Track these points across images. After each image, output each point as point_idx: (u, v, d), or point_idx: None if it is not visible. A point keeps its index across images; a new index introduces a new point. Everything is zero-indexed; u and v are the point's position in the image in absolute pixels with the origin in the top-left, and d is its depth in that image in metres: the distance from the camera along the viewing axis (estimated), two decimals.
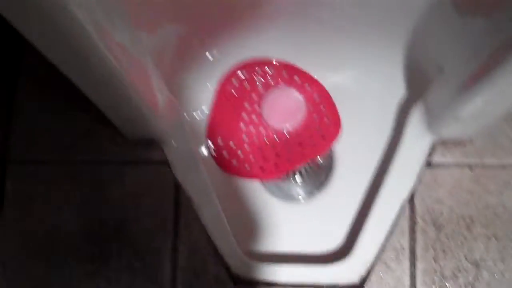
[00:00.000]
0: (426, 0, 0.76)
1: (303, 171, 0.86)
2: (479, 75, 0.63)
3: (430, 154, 0.80)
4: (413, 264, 0.78)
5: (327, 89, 0.89)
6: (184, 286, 0.77)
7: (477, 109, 0.68)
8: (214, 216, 0.79)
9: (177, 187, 0.79)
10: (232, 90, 0.88)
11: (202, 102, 0.88)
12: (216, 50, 0.86)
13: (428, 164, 0.80)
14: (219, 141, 0.87)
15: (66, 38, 0.49)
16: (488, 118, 0.72)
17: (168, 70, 0.81)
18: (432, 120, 0.78)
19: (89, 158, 0.80)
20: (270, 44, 0.87)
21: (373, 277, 0.78)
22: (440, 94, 0.75)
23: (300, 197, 0.86)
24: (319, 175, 0.87)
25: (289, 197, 0.86)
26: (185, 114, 0.82)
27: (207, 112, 0.88)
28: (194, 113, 0.87)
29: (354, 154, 0.87)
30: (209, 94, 0.88)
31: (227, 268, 0.78)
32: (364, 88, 0.88)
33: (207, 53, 0.87)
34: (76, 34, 0.49)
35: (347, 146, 0.87)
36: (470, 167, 0.80)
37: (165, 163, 0.79)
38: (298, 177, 0.87)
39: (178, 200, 0.79)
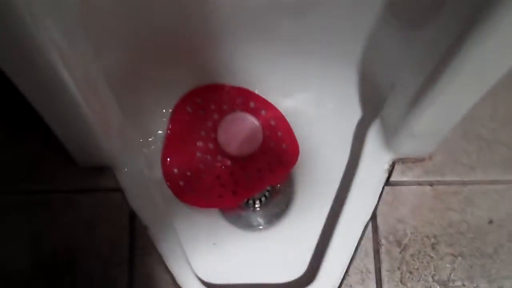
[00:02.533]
0: (372, 17, 0.77)
1: (262, 198, 0.86)
2: (425, 87, 0.65)
3: (390, 173, 0.80)
4: (379, 287, 0.77)
5: (283, 113, 0.89)
6: None
7: (429, 123, 0.70)
8: (171, 246, 0.78)
9: (132, 215, 0.77)
10: (187, 117, 0.88)
11: (157, 128, 0.87)
12: (169, 74, 0.86)
13: (389, 183, 0.80)
14: (175, 170, 0.86)
15: (24, 56, 0.49)
16: (441, 132, 0.73)
17: (121, 94, 0.80)
18: (389, 138, 0.79)
19: (38, 187, 0.78)
20: (224, 69, 0.87)
21: None
22: (394, 111, 0.77)
23: (260, 225, 0.85)
24: (279, 202, 0.86)
25: (249, 226, 0.85)
26: (140, 140, 0.81)
27: (162, 139, 0.87)
28: (149, 139, 0.86)
29: (313, 178, 0.87)
30: (165, 119, 0.87)
31: None
32: (320, 110, 0.89)
33: (162, 77, 0.86)
34: (34, 52, 0.48)
35: (306, 170, 0.87)
36: (431, 184, 0.81)
37: (119, 190, 0.78)
38: (257, 205, 0.86)
39: (133, 228, 0.77)
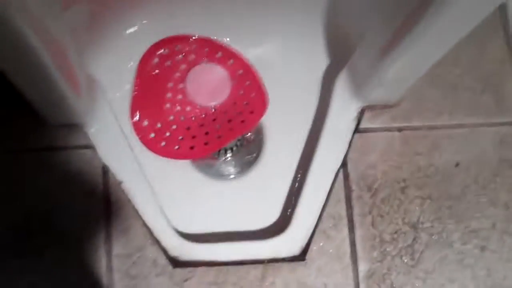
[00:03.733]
0: None
1: (233, 147, 0.87)
2: (396, 39, 0.66)
3: (359, 120, 0.82)
4: (352, 231, 0.80)
5: (250, 63, 0.89)
6: (121, 274, 0.76)
7: (398, 72, 0.71)
8: (146, 199, 0.79)
9: (105, 171, 0.78)
10: (154, 69, 0.87)
11: (125, 82, 0.86)
12: (134, 27, 0.85)
13: (358, 130, 0.82)
14: (145, 122, 0.86)
15: None
16: (409, 80, 0.75)
17: (86, 49, 0.79)
18: (357, 86, 0.80)
19: (8, 147, 0.77)
20: (189, 20, 0.87)
21: (313, 247, 0.79)
22: (363, 60, 0.78)
23: (232, 174, 0.86)
24: (250, 150, 0.87)
25: (221, 175, 0.86)
26: (108, 95, 0.81)
27: (130, 92, 0.86)
28: (117, 94, 0.85)
29: (283, 126, 0.88)
30: (132, 73, 0.86)
31: (164, 251, 0.77)
32: (288, 59, 0.89)
33: (126, 30, 0.85)
34: None
35: (276, 119, 0.88)
36: (399, 130, 0.83)
37: (91, 147, 0.77)
38: (229, 154, 0.87)
39: (107, 184, 0.77)
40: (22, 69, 0.61)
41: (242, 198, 0.85)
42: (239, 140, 0.87)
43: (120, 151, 0.79)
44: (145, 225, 0.78)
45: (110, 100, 0.83)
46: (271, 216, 0.84)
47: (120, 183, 0.78)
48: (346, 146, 0.82)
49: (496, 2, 0.55)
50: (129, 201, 0.78)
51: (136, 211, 0.77)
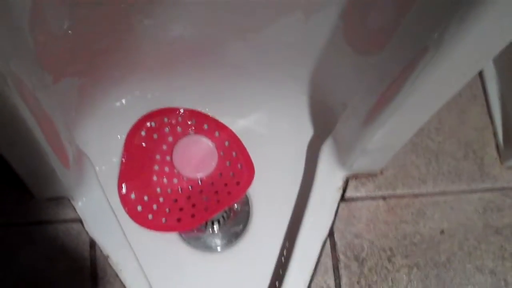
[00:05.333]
0: (323, 42, 0.80)
1: (220, 219, 0.87)
2: (377, 108, 0.68)
3: (344, 189, 0.83)
4: None
5: (237, 134, 0.91)
6: None
7: (381, 141, 0.73)
8: (133, 273, 0.79)
9: (92, 245, 0.78)
10: (142, 142, 0.89)
11: (112, 154, 0.88)
12: (122, 100, 0.87)
13: (343, 199, 0.83)
14: (132, 195, 0.87)
15: None
16: (393, 149, 0.77)
17: (75, 121, 0.81)
18: (342, 156, 0.82)
19: None
20: (176, 93, 0.89)
21: None
22: (346, 129, 0.80)
23: (218, 247, 0.87)
24: (237, 222, 0.88)
25: (208, 248, 0.87)
26: (96, 168, 0.82)
27: (117, 165, 0.88)
28: (104, 166, 0.87)
29: (270, 197, 0.89)
30: (120, 146, 0.88)
31: None
32: (273, 130, 0.91)
33: (115, 103, 0.87)
34: None
35: (262, 190, 0.89)
36: (383, 198, 0.84)
37: (78, 221, 0.78)
38: (215, 226, 0.88)
39: (94, 258, 0.78)
40: (12, 142, 0.63)
41: (230, 271, 0.86)
42: (225, 211, 0.88)
43: (107, 225, 0.80)
44: None
45: (98, 173, 0.84)
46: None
47: (107, 257, 0.78)
48: (333, 216, 0.83)
49: (476, 68, 0.57)
50: (116, 275, 0.78)
51: (123, 286, 0.77)
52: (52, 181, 0.74)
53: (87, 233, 0.79)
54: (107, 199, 0.82)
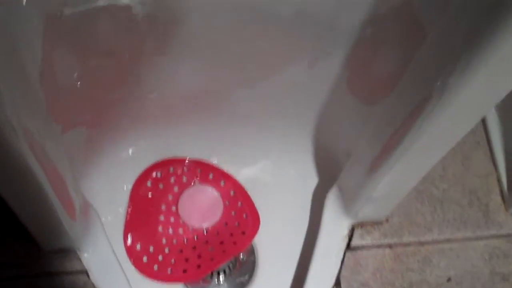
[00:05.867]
0: (328, 92, 0.82)
1: (226, 270, 0.87)
2: (382, 156, 0.69)
3: (350, 238, 0.84)
4: None
5: (242, 183, 0.92)
6: None
7: (386, 189, 0.74)
8: None
9: None
10: (147, 192, 0.90)
11: (118, 205, 0.88)
12: (129, 149, 0.88)
13: (350, 248, 0.83)
14: (138, 246, 0.87)
15: None
16: (398, 196, 0.77)
17: (81, 172, 0.81)
18: (347, 204, 0.83)
19: (3, 273, 0.78)
20: (182, 142, 0.90)
21: None
22: (351, 178, 0.80)
23: None
24: (242, 272, 0.88)
25: None
26: (102, 218, 0.82)
27: (123, 216, 0.88)
28: (110, 217, 0.87)
29: (276, 247, 0.89)
30: (126, 196, 0.88)
31: None
32: (278, 179, 0.92)
33: (121, 153, 0.88)
34: None
35: (268, 239, 0.89)
36: (390, 246, 0.84)
37: (84, 272, 0.78)
38: (221, 277, 0.87)
39: None
40: (20, 193, 0.63)
41: None
42: (231, 262, 0.88)
43: (113, 276, 0.80)
44: None
45: (104, 223, 0.84)
46: None
47: None
48: (339, 264, 0.83)
49: (480, 114, 0.58)
50: None
51: None
52: (59, 232, 0.75)
53: (93, 284, 0.78)
54: (113, 250, 0.82)
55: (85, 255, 0.80)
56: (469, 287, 0.84)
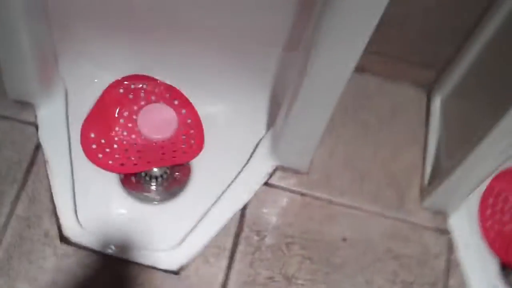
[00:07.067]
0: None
1: (159, 178, 0.98)
2: (291, 100, 0.82)
3: (270, 175, 0.93)
4: (230, 264, 0.88)
5: (200, 116, 1.03)
6: (14, 232, 0.86)
7: (299, 131, 0.87)
8: (63, 184, 0.90)
9: (38, 148, 0.90)
10: (117, 97, 1.02)
11: (89, 94, 1.01)
12: (116, 54, 1.01)
13: (267, 184, 0.93)
14: (92, 134, 0.99)
15: None
16: (310, 143, 0.88)
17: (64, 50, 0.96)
18: (274, 146, 0.93)
19: None
20: (163, 67, 1.03)
21: (191, 267, 0.87)
22: (278, 122, 0.92)
23: (154, 201, 0.96)
24: (174, 186, 0.98)
25: (143, 199, 0.97)
26: (73, 96, 0.96)
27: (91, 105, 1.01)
28: (80, 99, 1.00)
29: (209, 173, 0.99)
30: (99, 90, 1.02)
31: (59, 228, 0.86)
32: (232, 120, 1.03)
33: (108, 54, 1.01)
34: None
35: (205, 166, 1.00)
36: (301, 194, 0.93)
37: (34, 125, 0.91)
38: (153, 184, 0.98)
39: (34, 159, 0.90)
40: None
41: (150, 218, 0.95)
42: (166, 173, 0.98)
43: (58, 139, 0.92)
44: (52, 201, 0.87)
45: (73, 101, 0.97)
46: (174, 239, 0.92)
47: (46, 162, 0.89)
48: (252, 193, 0.92)
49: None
50: (47, 177, 0.89)
51: (50, 187, 0.88)
52: (25, 83, 0.89)
53: (38, 138, 0.91)
54: (68, 121, 0.95)
55: (41, 112, 0.93)
56: (361, 252, 0.91)
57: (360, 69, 0.99)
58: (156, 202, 0.96)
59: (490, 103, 0.79)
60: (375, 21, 0.64)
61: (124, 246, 0.88)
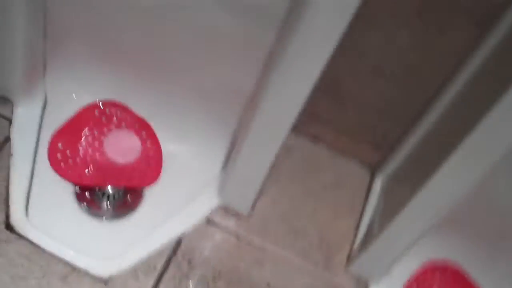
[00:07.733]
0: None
1: (111, 197, 1.05)
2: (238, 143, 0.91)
3: (212, 213, 1.01)
4: (157, 284, 0.94)
5: (163, 150, 1.12)
6: None
7: (241, 172, 0.95)
8: (22, 179, 0.97)
9: (7, 141, 0.97)
10: (92, 116, 1.11)
11: (67, 110, 1.09)
12: (101, 74, 1.10)
13: (207, 220, 1.00)
14: (60, 145, 1.07)
15: None
16: (252, 185, 0.97)
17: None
18: (222, 188, 1.01)
19: None
20: (138, 96, 1.12)
21: (120, 279, 0.93)
22: (229, 162, 1.00)
23: (102, 217, 1.03)
24: (125, 208, 1.06)
25: (93, 213, 1.04)
26: (51, 103, 1.04)
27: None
28: (56, 108, 1.08)
29: (159, 202, 1.06)
30: (76, 106, 1.10)
31: (6, 215, 0.93)
32: (191, 159, 1.11)
33: (93, 72, 1.10)
34: None
35: (156, 195, 1.07)
36: (237, 236, 1.00)
37: (9, 120, 0.99)
38: (105, 202, 1.05)
39: (1, 148, 0.96)
40: None
41: (94, 230, 1.01)
42: (119, 194, 1.06)
43: (26, 138, 1.00)
44: (7, 190, 0.94)
45: (48, 108, 1.06)
46: (109, 251, 0.99)
47: (10, 155, 0.97)
48: (191, 226, 1.00)
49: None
50: (8, 168, 0.96)
51: (8, 178, 0.95)
52: (10, 76, 0.97)
53: (9, 131, 0.99)
54: (40, 125, 1.03)
55: (18, 110, 1.01)
56: None
57: (315, 138, 1.08)
58: (103, 218, 1.02)
59: (412, 188, 0.88)
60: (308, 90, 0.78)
61: (63, 246, 0.93)
